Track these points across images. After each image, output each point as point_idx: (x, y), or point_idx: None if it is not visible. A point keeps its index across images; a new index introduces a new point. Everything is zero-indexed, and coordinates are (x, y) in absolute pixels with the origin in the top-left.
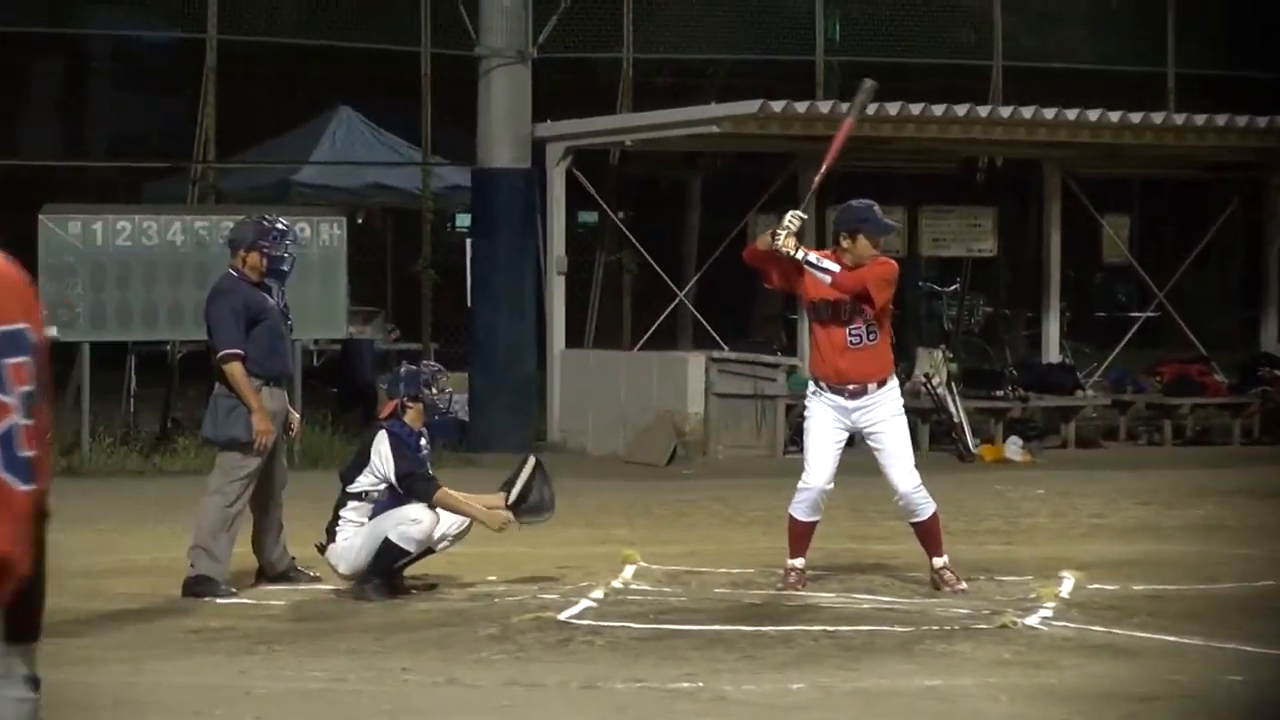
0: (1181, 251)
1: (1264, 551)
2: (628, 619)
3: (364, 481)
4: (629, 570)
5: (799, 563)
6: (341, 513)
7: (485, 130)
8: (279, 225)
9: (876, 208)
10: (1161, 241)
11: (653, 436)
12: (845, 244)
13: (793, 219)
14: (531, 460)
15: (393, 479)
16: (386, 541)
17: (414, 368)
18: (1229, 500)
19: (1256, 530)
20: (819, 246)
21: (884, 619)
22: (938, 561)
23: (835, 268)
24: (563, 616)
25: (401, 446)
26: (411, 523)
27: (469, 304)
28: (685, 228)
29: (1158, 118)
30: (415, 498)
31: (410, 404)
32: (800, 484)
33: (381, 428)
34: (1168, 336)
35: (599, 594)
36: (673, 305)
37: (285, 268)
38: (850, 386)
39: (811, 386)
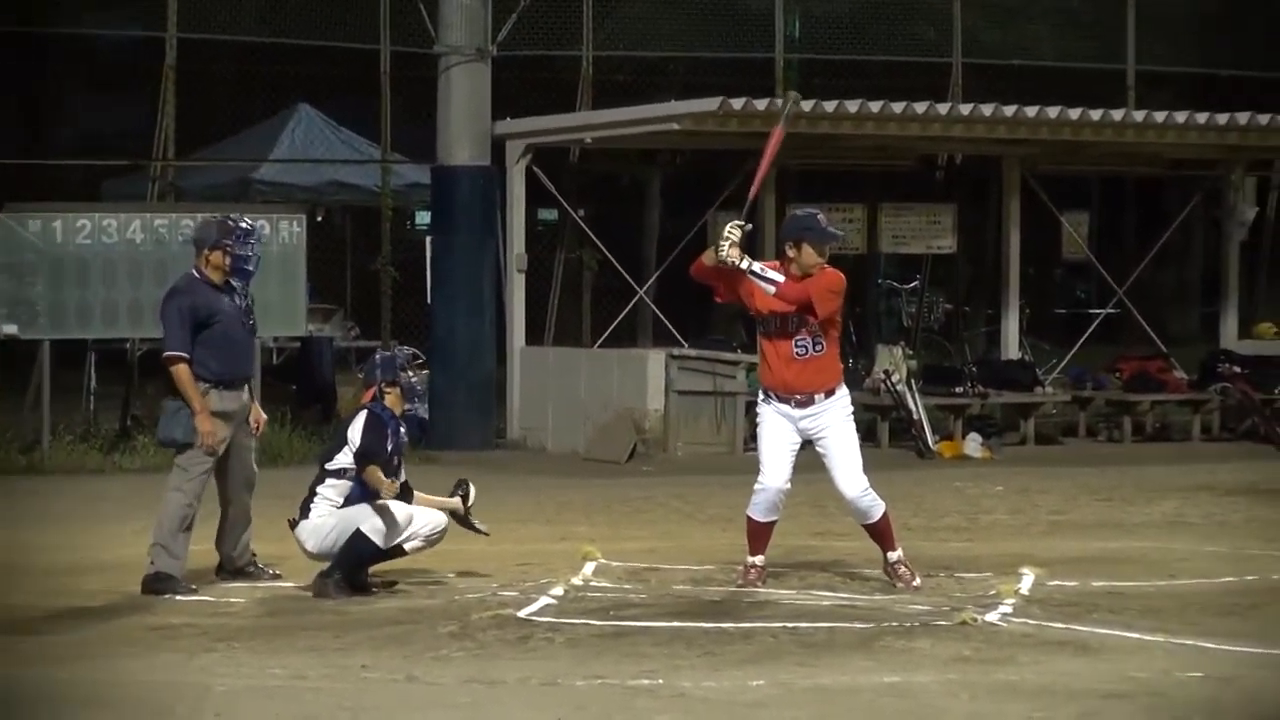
0: (1141, 248)
1: (1224, 548)
2: (588, 616)
3: (341, 459)
4: (589, 567)
5: (758, 560)
6: (318, 489)
7: (445, 128)
8: (243, 224)
9: (821, 216)
10: (1121, 238)
11: (613, 434)
12: (791, 253)
13: (732, 229)
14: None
15: (354, 450)
16: (357, 533)
17: (389, 353)
18: (1189, 496)
19: (1217, 526)
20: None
21: (844, 615)
22: (892, 556)
23: (780, 278)
24: (523, 614)
25: (375, 426)
26: (385, 518)
27: (428, 301)
28: (645, 225)
29: (1117, 115)
30: (361, 466)
31: (389, 388)
32: (757, 485)
33: (364, 408)
34: (1127, 333)
35: (559, 591)
36: (633, 303)
37: (250, 267)
38: (797, 397)
39: (761, 394)
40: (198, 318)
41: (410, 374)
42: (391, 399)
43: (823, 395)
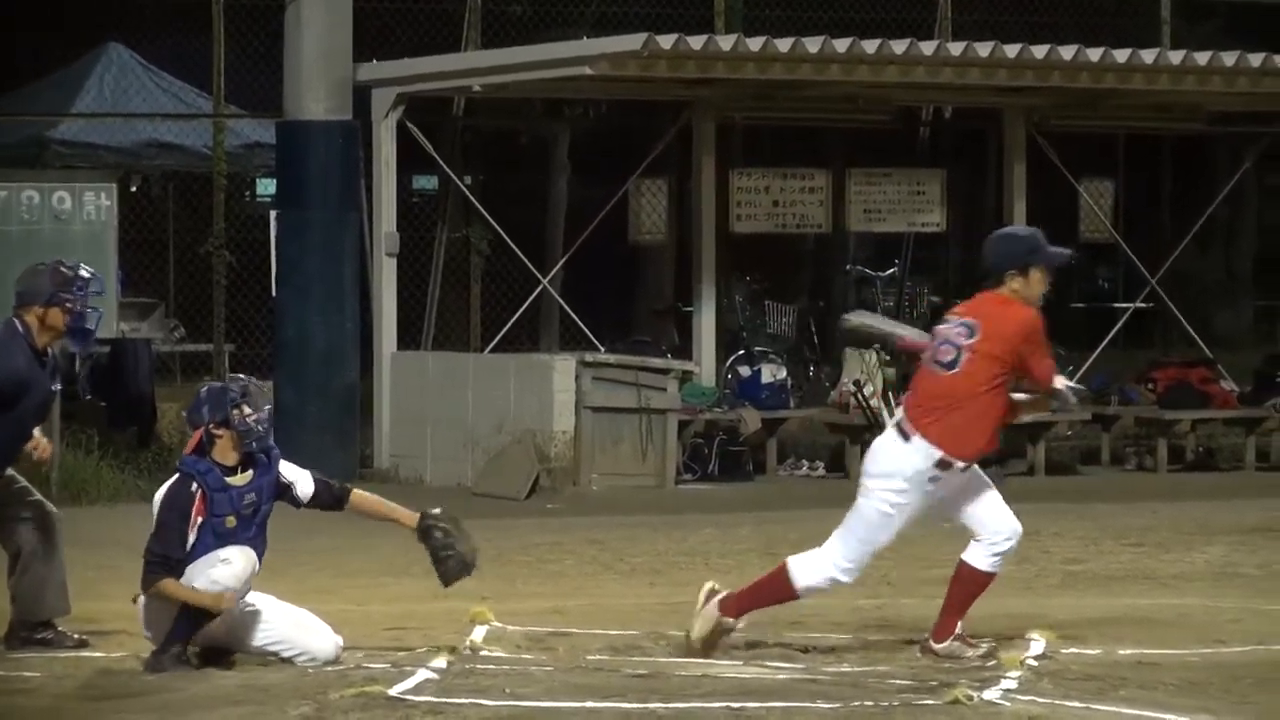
0: (1179, 225)
1: None
2: (477, 694)
3: None
4: (479, 632)
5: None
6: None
7: (293, 72)
8: (82, 273)
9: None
10: (1154, 213)
11: (509, 462)
12: (1014, 284)
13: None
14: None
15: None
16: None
17: (218, 385)
18: (1241, 541)
19: (1276, 579)
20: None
21: (803, 692)
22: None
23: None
24: (394, 691)
25: (170, 511)
26: (221, 563)
27: (273, 294)
28: (550, 196)
29: (1148, 55)
30: (143, 575)
31: (218, 432)
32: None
33: (177, 470)
34: (1162, 333)
35: (441, 663)
36: (534, 295)
37: (91, 325)
38: None
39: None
40: (4, 392)
41: (247, 410)
42: (222, 445)
43: None
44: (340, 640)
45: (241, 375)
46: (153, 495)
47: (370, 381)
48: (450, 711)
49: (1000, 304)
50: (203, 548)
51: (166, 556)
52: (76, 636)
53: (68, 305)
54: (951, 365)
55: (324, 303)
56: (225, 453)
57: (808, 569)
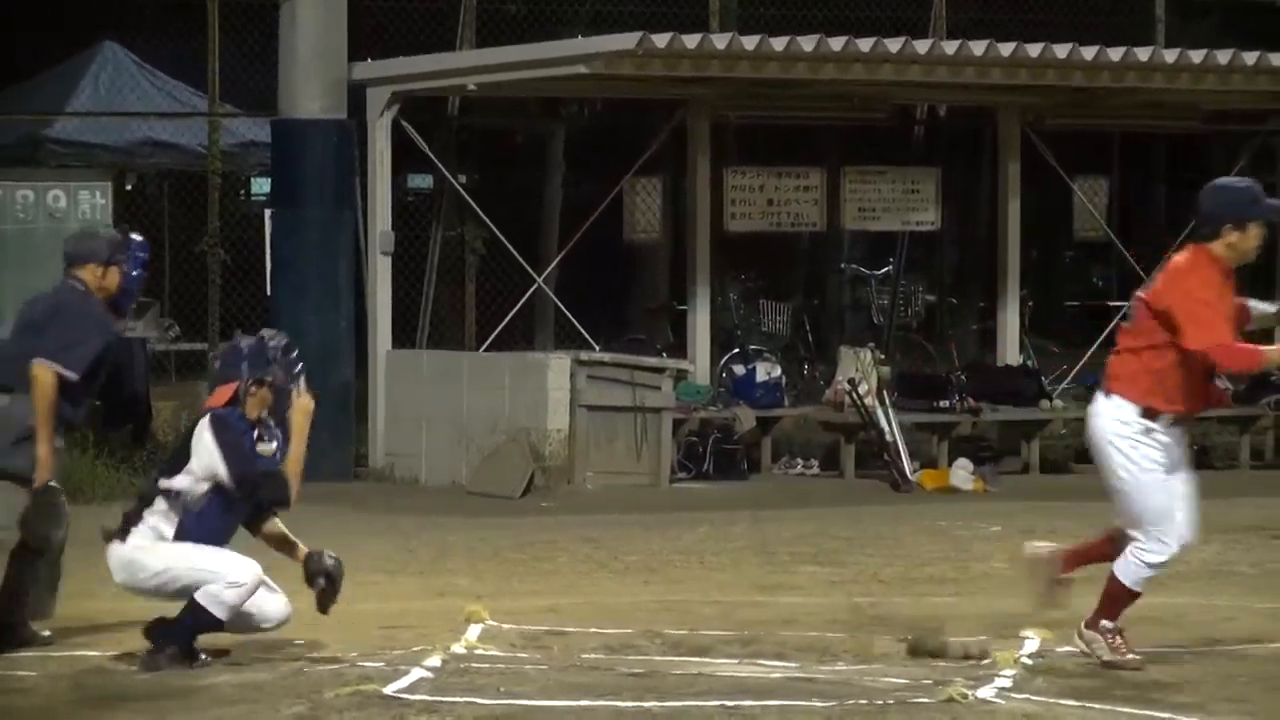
0: (1173, 223)
1: None
2: (473, 693)
3: (181, 480)
4: (474, 631)
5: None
6: (146, 511)
7: (289, 70)
8: (134, 236)
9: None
10: (1148, 211)
11: (503, 460)
12: (1231, 238)
13: None
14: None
15: (225, 479)
16: (192, 601)
17: (254, 340)
18: (1236, 539)
19: (1271, 577)
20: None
21: (798, 691)
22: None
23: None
24: (389, 690)
25: (229, 436)
26: (228, 586)
27: (268, 293)
28: (545, 195)
29: (1143, 54)
30: (269, 499)
31: (255, 389)
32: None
33: (207, 413)
34: None
35: (435, 661)
36: (529, 293)
37: (136, 289)
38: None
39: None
40: (111, 349)
41: (280, 369)
42: (255, 401)
43: None
44: (287, 600)
45: (274, 330)
46: None
47: (365, 380)
48: (445, 710)
49: (1186, 254)
50: (217, 508)
51: (265, 470)
52: (45, 634)
53: (123, 267)
54: (1128, 318)
55: (319, 301)
56: (255, 409)
57: (1128, 570)
